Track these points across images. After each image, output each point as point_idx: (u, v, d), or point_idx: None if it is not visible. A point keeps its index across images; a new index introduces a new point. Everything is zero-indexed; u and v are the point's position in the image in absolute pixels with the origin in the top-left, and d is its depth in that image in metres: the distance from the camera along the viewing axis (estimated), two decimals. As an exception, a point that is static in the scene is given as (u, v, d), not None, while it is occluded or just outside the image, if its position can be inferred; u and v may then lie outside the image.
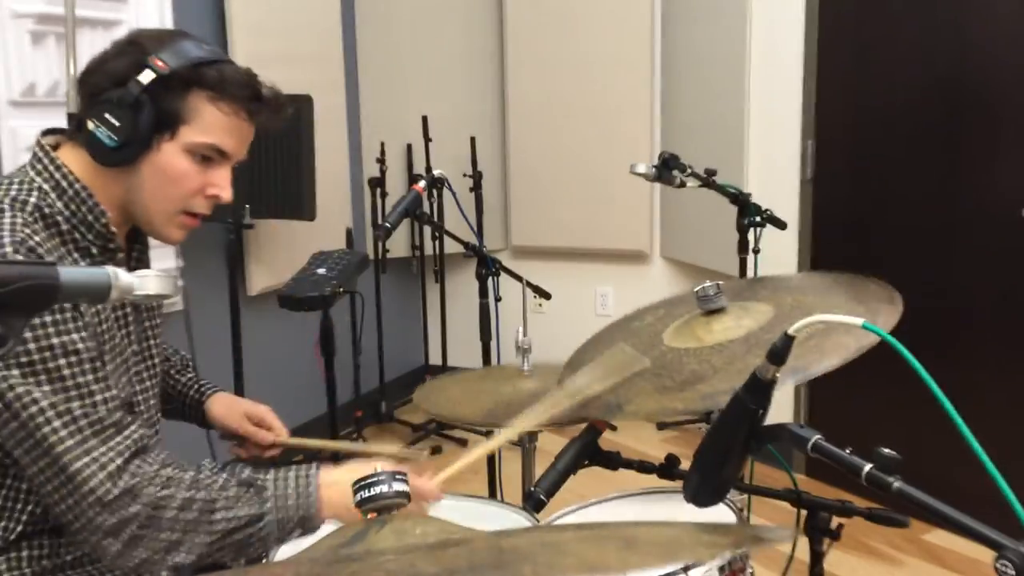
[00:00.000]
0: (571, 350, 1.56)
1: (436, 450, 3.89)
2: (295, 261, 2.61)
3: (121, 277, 0.92)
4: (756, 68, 3.52)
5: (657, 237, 4.25)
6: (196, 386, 1.74)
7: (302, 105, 3.07)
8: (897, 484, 0.94)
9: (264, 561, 1.39)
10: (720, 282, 1.38)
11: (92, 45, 2.55)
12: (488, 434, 2.62)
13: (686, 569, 1.24)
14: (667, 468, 1.40)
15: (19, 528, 1.33)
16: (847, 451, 1.00)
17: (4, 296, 0.81)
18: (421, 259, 4.33)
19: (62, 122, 2.40)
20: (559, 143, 4.26)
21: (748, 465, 2.38)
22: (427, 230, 4.23)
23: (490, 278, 2.43)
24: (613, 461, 1.41)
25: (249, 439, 1.70)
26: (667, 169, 2.60)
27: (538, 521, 1.48)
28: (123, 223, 1.41)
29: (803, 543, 1.22)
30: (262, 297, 3.48)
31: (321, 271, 2.43)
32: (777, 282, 1.56)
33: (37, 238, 1.27)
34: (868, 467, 0.97)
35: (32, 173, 1.34)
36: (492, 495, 2.49)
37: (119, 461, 1.25)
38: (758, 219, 2.63)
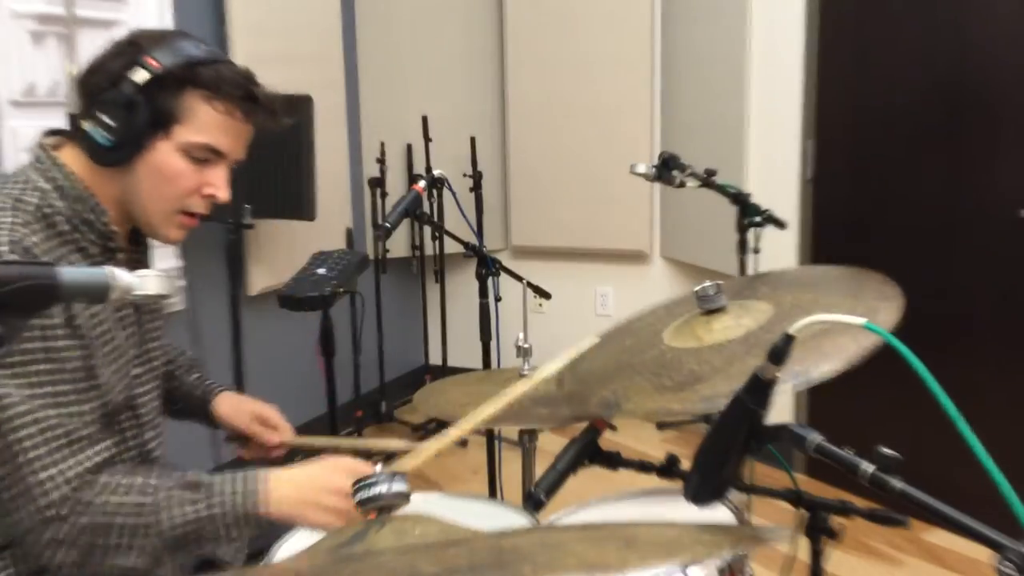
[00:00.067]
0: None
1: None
2: (295, 261, 2.61)
3: (120, 277, 0.92)
4: (756, 68, 3.52)
5: (657, 237, 4.25)
6: (202, 386, 1.73)
7: (302, 105, 3.07)
8: (898, 484, 0.94)
9: (263, 561, 1.39)
10: (720, 282, 1.38)
11: (92, 45, 2.55)
12: (488, 434, 2.64)
13: (685, 569, 1.24)
14: (667, 468, 1.40)
15: None
16: (847, 451, 1.00)
17: (3, 296, 0.81)
18: (421, 259, 4.33)
19: (63, 122, 2.40)
20: (559, 143, 4.26)
21: (748, 465, 2.38)
22: (427, 230, 4.23)
23: (490, 278, 2.43)
24: (613, 461, 1.41)
25: (255, 439, 1.70)
26: (667, 169, 2.60)
27: (538, 521, 1.48)
28: (123, 223, 1.41)
29: (803, 543, 1.22)
30: (262, 297, 3.48)
31: (321, 271, 2.43)
32: (777, 277, 1.55)
33: (35, 238, 1.27)
34: (869, 467, 0.97)
35: (33, 173, 1.34)
36: (492, 495, 2.49)
37: (79, 470, 1.25)
38: (758, 219, 2.63)
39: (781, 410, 3.48)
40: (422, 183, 2.32)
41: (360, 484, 0.90)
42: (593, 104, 4.16)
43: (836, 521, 1.21)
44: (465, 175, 4.18)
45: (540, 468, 1.46)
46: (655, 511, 1.55)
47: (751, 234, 2.66)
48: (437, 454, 1.29)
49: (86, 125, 1.32)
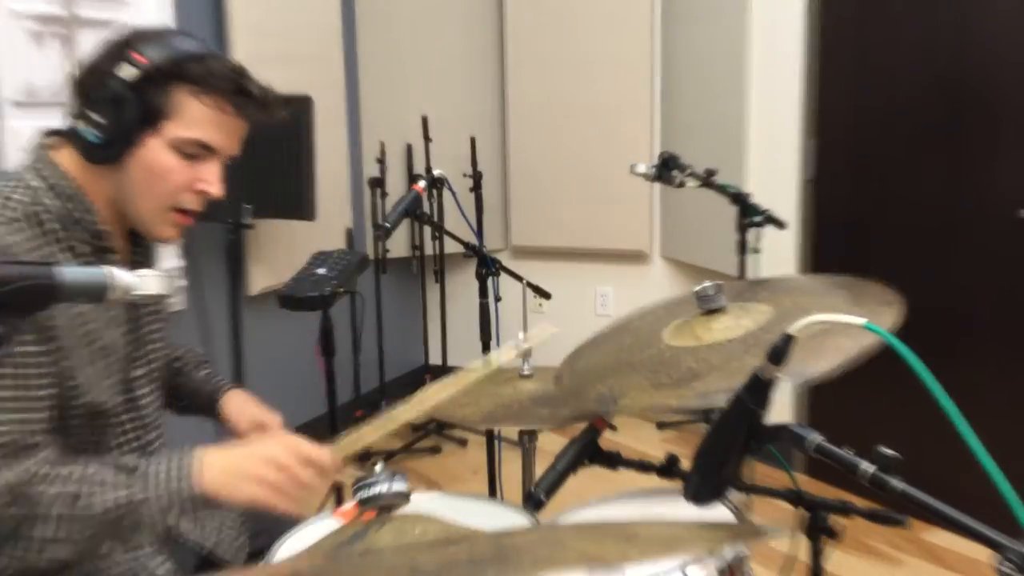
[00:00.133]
0: (571, 350, 1.56)
1: (435, 450, 3.89)
2: (295, 261, 2.61)
3: (119, 277, 0.92)
4: (756, 68, 3.51)
5: (657, 237, 4.25)
6: (211, 382, 1.72)
7: (302, 105, 3.07)
8: (898, 484, 0.94)
9: (263, 561, 1.39)
10: (720, 282, 1.39)
11: (92, 45, 2.55)
12: (488, 434, 2.64)
13: (685, 569, 1.24)
14: (667, 468, 1.40)
15: None
16: (847, 451, 1.00)
17: (3, 296, 0.81)
18: (421, 259, 4.33)
19: (63, 122, 2.40)
20: (559, 143, 4.26)
21: (748, 465, 2.38)
22: (427, 230, 4.23)
23: (490, 278, 2.43)
24: (613, 461, 1.41)
25: None
26: (667, 169, 2.61)
27: (538, 521, 1.47)
28: (118, 223, 1.40)
29: (803, 543, 1.22)
30: (262, 297, 3.48)
31: (321, 271, 2.42)
32: (777, 284, 1.56)
33: (16, 237, 1.26)
34: (869, 467, 0.97)
35: (27, 172, 1.34)
36: (492, 495, 2.49)
37: (12, 480, 1.21)
38: (758, 219, 2.63)
39: (781, 410, 3.48)
40: (422, 183, 2.32)
41: (360, 484, 0.90)
42: (593, 104, 4.16)
43: (836, 521, 1.21)
44: (465, 175, 4.17)
45: (540, 468, 1.46)
46: (655, 511, 1.55)
47: (751, 234, 2.66)
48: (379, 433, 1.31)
49: (78, 124, 1.32)
